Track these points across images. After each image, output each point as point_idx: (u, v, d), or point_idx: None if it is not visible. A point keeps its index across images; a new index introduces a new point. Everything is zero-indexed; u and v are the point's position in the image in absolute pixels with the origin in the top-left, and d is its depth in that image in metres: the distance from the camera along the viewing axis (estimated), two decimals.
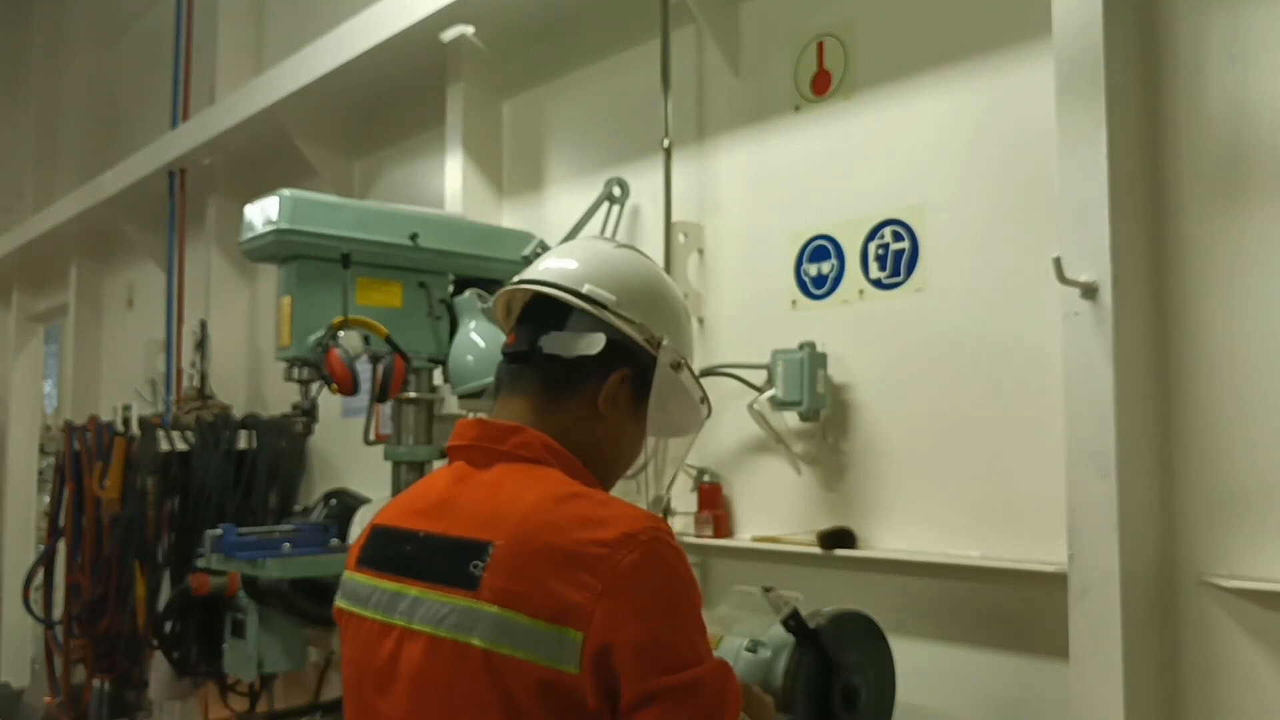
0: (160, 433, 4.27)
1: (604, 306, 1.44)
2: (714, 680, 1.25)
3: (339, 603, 1.48)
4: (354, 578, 1.46)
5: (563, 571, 1.23)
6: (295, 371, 2.74)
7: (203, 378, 4.90)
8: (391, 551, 1.42)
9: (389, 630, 1.36)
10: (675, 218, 3.04)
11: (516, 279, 1.53)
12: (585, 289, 1.44)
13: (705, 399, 1.56)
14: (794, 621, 1.99)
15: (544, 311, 1.46)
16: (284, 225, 2.67)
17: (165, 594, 4.20)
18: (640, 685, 1.20)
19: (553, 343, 1.44)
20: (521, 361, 1.47)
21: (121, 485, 4.60)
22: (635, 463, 1.56)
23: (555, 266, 1.50)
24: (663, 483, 1.61)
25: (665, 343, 1.47)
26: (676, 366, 1.48)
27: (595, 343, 1.42)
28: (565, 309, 1.45)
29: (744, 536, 2.88)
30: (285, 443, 4.46)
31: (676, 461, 1.64)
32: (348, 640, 1.45)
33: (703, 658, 1.26)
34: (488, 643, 1.24)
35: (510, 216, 3.74)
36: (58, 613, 5.59)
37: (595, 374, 1.44)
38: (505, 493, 1.35)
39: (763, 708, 1.60)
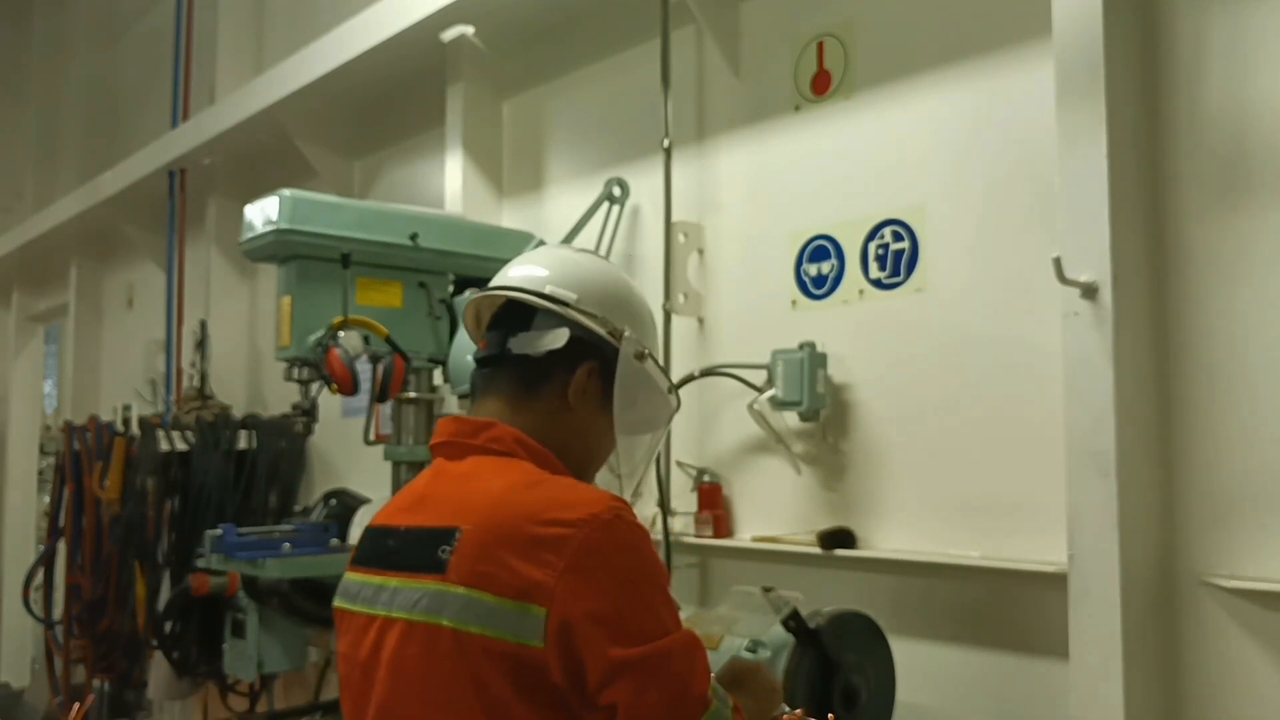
0: (160, 433, 4.27)
1: (566, 304, 1.50)
2: (681, 651, 1.30)
3: (335, 602, 1.53)
4: (348, 577, 1.52)
5: (526, 551, 1.28)
6: (295, 371, 2.74)
7: (203, 378, 4.90)
8: (378, 548, 1.48)
9: (372, 621, 1.41)
10: (675, 218, 3.04)
11: (481, 289, 1.59)
12: (547, 289, 1.51)
13: (673, 389, 1.61)
14: (794, 621, 1.99)
15: (512, 316, 1.53)
16: (284, 225, 2.68)
17: (165, 594, 4.20)
18: (605, 656, 1.25)
19: (521, 343, 1.50)
20: (493, 365, 1.53)
21: (121, 485, 4.60)
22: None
23: (519, 273, 1.56)
24: (632, 483, 1.63)
25: (627, 334, 1.52)
26: (640, 357, 1.53)
27: (559, 337, 1.48)
28: (531, 312, 1.51)
29: (744, 536, 2.88)
30: (285, 443, 4.46)
31: (646, 459, 1.67)
32: (341, 636, 1.51)
33: (669, 629, 1.31)
34: (455, 622, 1.29)
35: (510, 216, 3.74)
36: (58, 613, 5.59)
37: (563, 369, 1.49)
38: (476, 483, 1.41)
39: (770, 692, 1.60)
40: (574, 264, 1.57)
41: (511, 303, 1.53)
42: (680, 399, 1.64)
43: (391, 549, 1.44)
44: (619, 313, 1.54)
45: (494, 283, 1.57)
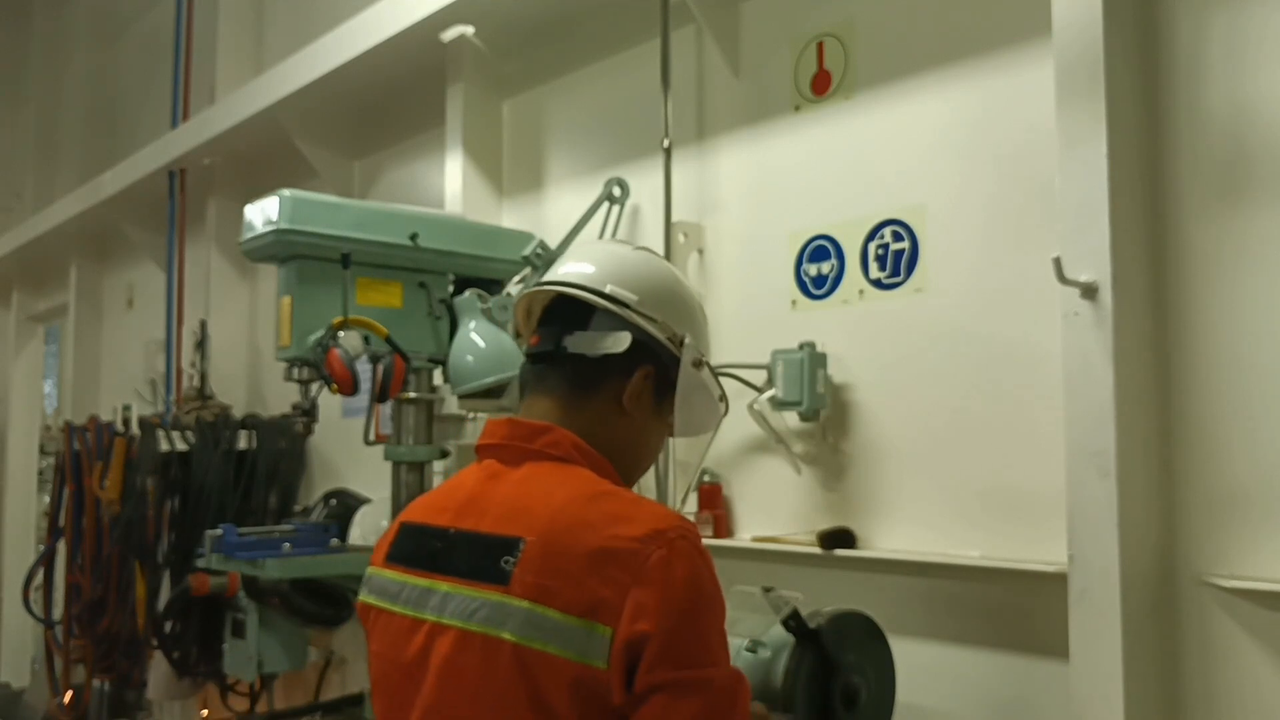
0: (160, 433, 4.27)
1: (627, 306, 1.46)
2: (724, 682, 1.26)
3: (364, 598, 1.50)
4: (382, 574, 1.48)
5: (593, 567, 1.25)
6: (295, 371, 2.74)
7: (203, 378, 4.90)
8: (421, 548, 1.44)
9: (419, 625, 1.37)
10: (675, 218, 3.04)
11: (529, 282, 1.54)
12: (608, 289, 1.47)
13: (724, 396, 1.59)
14: (794, 621, 1.99)
15: (567, 313, 1.49)
16: (284, 225, 2.67)
17: (165, 594, 4.20)
18: (647, 677, 1.21)
19: (578, 342, 1.46)
20: (546, 362, 1.49)
21: (121, 485, 4.60)
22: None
23: (575, 269, 1.52)
24: (681, 488, 1.62)
25: (687, 340, 1.50)
26: (698, 364, 1.51)
27: (621, 341, 1.45)
28: (588, 310, 1.47)
29: (744, 536, 2.88)
30: (285, 443, 4.46)
31: (695, 465, 1.66)
32: (376, 636, 1.47)
33: (717, 662, 1.27)
34: (518, 637, 1.26)
35: (510, 216, 3.74)
36: (58, 613, 5.59)
37: (619, 372, 1.46)
38: (536, 490, 1.37)
39: None
40: (631, 263, 1.54)
41: (567, 299, 1.49)
42: (729, 404, 1.62)
43: (440, 551, 1.40)
44: (677, 316, 1.51)
45: (549, 277, 1.54)
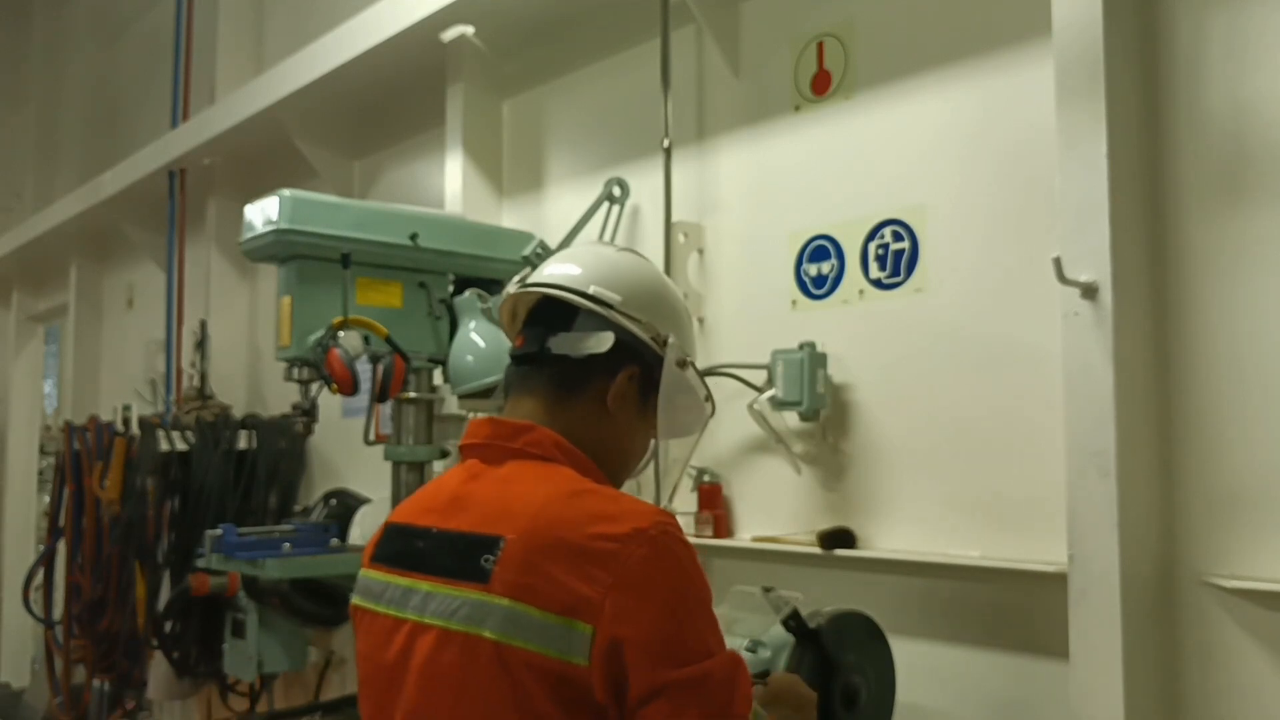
0: (160, 433, 4.27)
1: (610, 306, 1.46)
2: (722, 673, 1.26)
3: (354, 600, 1.50)
4: (368, 575, 1.49)
5: (573, 565, 1.25)
6: (295, 371, 2.74)
7: (203, 378, 4.90)
8: (405, 548, 1.44)
9: (400, 625, 1.38)
10: (675, 218, 3.04)
11: (521, 283, 1.55)
12: (591, 290, 1.47)
13: (709, 396, 1.59)
14: (794, 621, 1.99)
15: (551, 314, 1.49)
16: (284, 225, 2.67)
17: (165, 594, 4.20)
18: (648, 679, 1.21)
19: (561, 343, 1.46)
20: (530, 363, 1.49)
21: (121, 485, 4.60)
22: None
23: (560, 270, 1.52)
24: (668, 485, 1.62)
25: (671, 340, 1.50)
26: (682, 364, 1.51)
27: (604, 341, 1.45)
28: (572, 311, 1.47)
29: (744, 536, 2.88)
30: (285, 443, 4.47)
31: (681, 462, 1.66)
32: (361, 636, 1.47)
33: (713, 650, 1.27)
34: (499, 635, 1.26)
35: (510, 216, 3.74)
36: (58, 613, 5.59)
37: (603, 373, 1.46)
38: (517, 489, 1.37)
39: (805, 706, 1.62)
40: (615, 264, 1.54)
41: (551, 300, 1.49)
42: (715, 405, 1.61)
43: (422, 551, 1.40)
44: (661, 316, 1.51)
45: (533, 279, 1.54)
